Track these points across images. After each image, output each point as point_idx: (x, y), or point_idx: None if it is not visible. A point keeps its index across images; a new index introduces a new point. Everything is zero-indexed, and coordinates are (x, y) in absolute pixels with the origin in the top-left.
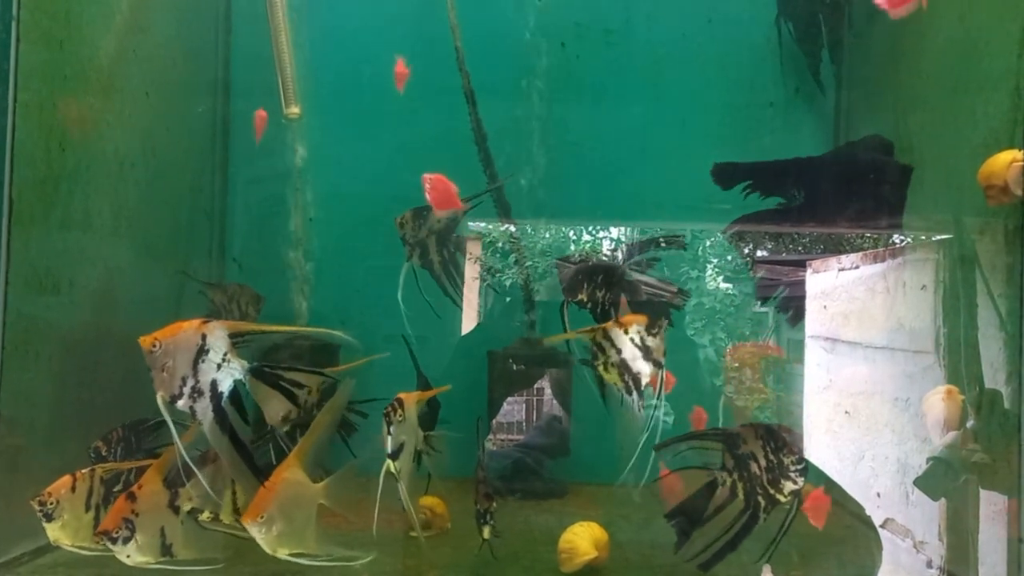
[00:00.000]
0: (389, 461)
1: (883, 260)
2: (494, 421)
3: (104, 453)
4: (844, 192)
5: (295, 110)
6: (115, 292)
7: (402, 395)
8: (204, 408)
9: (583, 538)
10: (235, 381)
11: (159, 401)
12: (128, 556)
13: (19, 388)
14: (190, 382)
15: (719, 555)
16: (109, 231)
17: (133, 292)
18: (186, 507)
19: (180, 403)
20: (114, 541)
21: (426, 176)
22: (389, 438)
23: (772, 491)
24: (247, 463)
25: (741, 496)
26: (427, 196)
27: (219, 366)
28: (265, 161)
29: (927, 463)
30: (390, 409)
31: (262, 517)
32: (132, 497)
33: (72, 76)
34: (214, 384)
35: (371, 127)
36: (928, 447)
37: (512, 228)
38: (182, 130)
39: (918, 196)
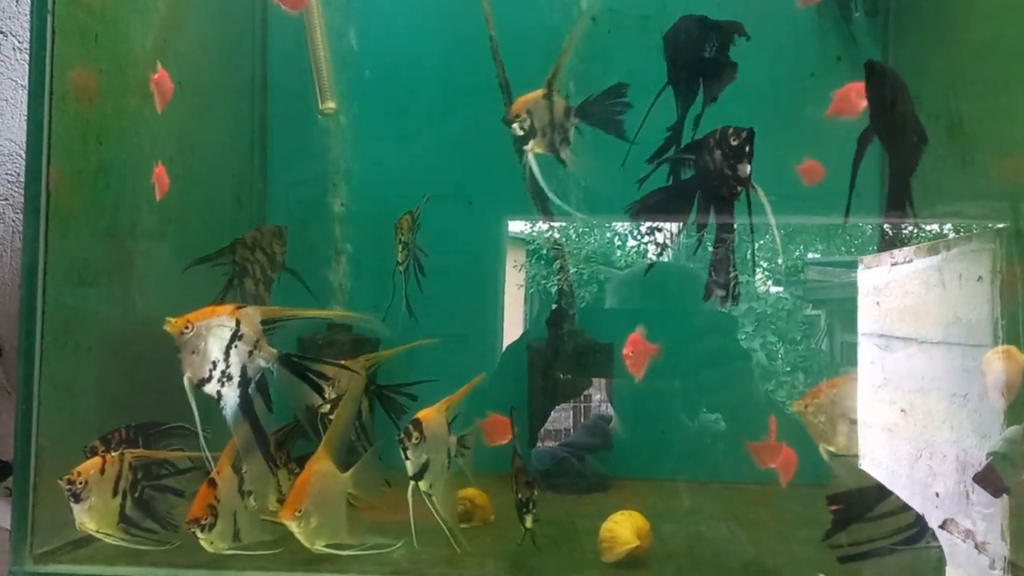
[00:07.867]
0: (412, 483)
1: (937, 252)
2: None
3: (101, 453)
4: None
5: (331, 105)
6: (156, 286)
7: (420, 414)
8: (231, 393)
9: (624, 527)
10: (263, 369)
11: (186, 383)
12: (212, 543)
13: (59, 379)
14: (220, 366)
15: (862, 556)
16: (148, 225)
17: (173, 286)
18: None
19: (208, 387)
20: (203, 528)
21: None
22: (408, 463)
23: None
24: (263, 452)
25: (914, 511)
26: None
27: (251, 353)
28: (304, 162)
29: (986, 459)
30: (403, 435)
31: (299, 512)
32: (213, 483)
33: (108, 71)
34: (244, 370)
35: (407, 122)
36: (988, 443)
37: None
38: (220, 129)
39: (971, 175)
